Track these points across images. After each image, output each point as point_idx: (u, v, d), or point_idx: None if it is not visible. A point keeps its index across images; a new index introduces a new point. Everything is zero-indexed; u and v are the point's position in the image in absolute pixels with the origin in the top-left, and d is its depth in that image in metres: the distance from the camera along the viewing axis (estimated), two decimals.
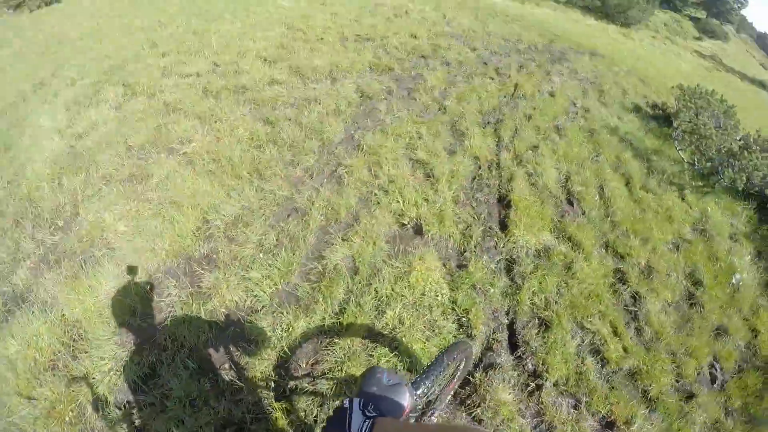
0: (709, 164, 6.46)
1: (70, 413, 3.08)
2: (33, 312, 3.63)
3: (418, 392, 1.90)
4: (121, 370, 3.27)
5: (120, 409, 3.12)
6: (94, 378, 3.21)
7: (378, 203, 4.54)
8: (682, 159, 6.80)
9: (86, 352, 3.34)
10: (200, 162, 4.95)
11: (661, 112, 8.49)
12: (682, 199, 5.91)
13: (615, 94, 8.78)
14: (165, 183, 4.67)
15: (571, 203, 5.23)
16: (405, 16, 10.66)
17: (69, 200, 4.64)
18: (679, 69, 17.55)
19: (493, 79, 7.86)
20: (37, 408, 3.10)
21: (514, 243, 4.41)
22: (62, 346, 3.41)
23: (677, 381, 3.80)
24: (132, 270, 3.84)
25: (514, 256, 4.32)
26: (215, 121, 5.64)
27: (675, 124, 7.40)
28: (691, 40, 32.41)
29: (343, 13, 10.28)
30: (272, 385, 3.17)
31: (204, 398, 3.10)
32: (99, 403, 3.11)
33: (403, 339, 3.40)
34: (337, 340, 3.37)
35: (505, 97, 7.27)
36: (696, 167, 6.58)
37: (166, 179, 4.71)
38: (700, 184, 6.28)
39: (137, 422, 3.06)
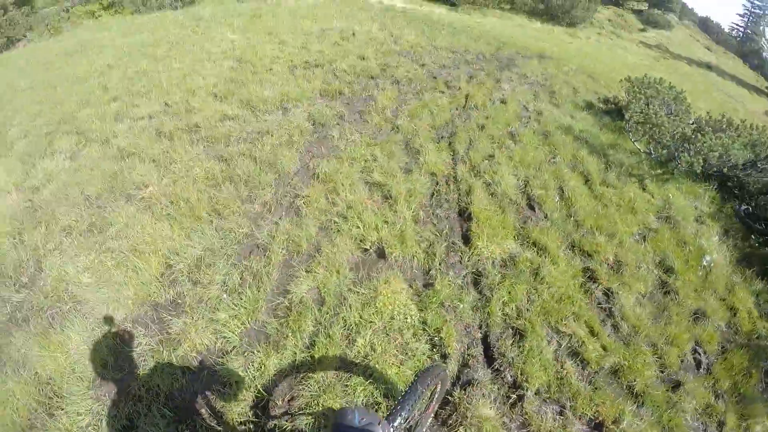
0: (665, 151, 6.54)
1: None
2: (6, 372, 3.57)
3: (395, 424, 1.85)
4: (99, 424, 3.21)
5: None
6: None
7: (338, 231, 4.49)
8: (639, 150, 6.89)
9: (62, 409, 3.28)
10: (158, 206, 4.88)
11: (613, 106, 8.62)
12: (643, 189, 5.97)
13: (566, 93, 8.88)
14: (125, 231, 4.61)
15: (532, 208, 5.22)
16: (352, 39, 10.68)
17: (31, 255, 4.56)
18: (627, 62, 17.96)
19: (443, 92, 7.88)
20: None
21: (479, 255, 4.38)
22: (38, 405, 3.35)
23: (662, 372, 3.80)
24: (100, 322, 3.80)
25: (480, 269, 4.28)
26: (170, 163, 5.58)
27: (627, 116, 7.49)
28: (635, 32, 33.29)
29: (290, 42, 10.27)
30: (251, 426, 3.11)
31: None
32: None
33: (377, 365, 3.35)
34: (311, 374, 3.31)
35: (456, 109, 7.29)
36: (653, 156, 6.66)
37: (125, 227, 4.65)
38: (659, 171, 6.35)
39: None
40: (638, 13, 39.65)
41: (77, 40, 13.73)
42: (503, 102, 7.81)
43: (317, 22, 12.33)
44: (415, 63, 9.30)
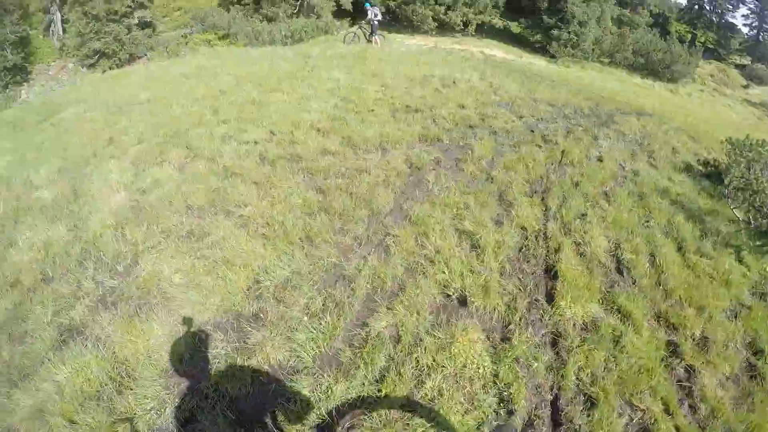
0: (765, 221, 6.20)
1: None
2: (86, 345, 3.96)
3: None
4: (163, 411, 3.46)
5: None
6: (135, 414, 3.42)
7: (424, 273, 4.59)
8: (738, 218, 6.55)
9: (131, 390, 3.59)
10: (254, 225, 5.23)
11: (713, 168, 8.22)
12: (740, 261, 5.66)
13: (665, 153, 8.61)
14: (221, 242, 4.98)
15: (620, 272, 5.09)
16: (453, 87, 10.87)
17: (130, 249, 5.06)
18: (730, 120, 17.20)
19: (540, 146, 7.86)
20: None
21: (561, 315, 4.33)
22: (109, 380, 3.68)
23: None
24: (184, 320, 4.12)
25: (560, 329, 4.22)
26: (270, 188, 5.94)
27: (726, 181, 7.15)
28: (739, 89, 31.93)
29: (393, 85, 10.61)
30: None
31: None
32: None
33: (441, 411, 3.39)
34: (374, 407, 3.41)
35: (552, 164, 7.25)
36: (752, 225, 6.32)
37: (221, 239, 5.02)
38: (758, 243, 5.99)
39: None
40: (741, 68, 38.08)
41: (194, 64, 14.82)
42: (600, 160, 7.70)
43: (420, 68, 12.67)
44: (513, 114, 9.36)
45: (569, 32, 27.63)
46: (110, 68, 23.36)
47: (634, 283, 4.96)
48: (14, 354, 4.16)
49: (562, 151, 7.60)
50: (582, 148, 7.95)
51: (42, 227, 5.77)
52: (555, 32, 27.85)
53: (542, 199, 6.21)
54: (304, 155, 6.81)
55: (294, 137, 7.41)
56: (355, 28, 22.98)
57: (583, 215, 5.87)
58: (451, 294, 4.42)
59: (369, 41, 21.13)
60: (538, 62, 21.71)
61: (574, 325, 4.29)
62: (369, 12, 21.09)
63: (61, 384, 3.67)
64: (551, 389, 3.78)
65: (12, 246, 5.61)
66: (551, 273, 4.88)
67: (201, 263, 4.71)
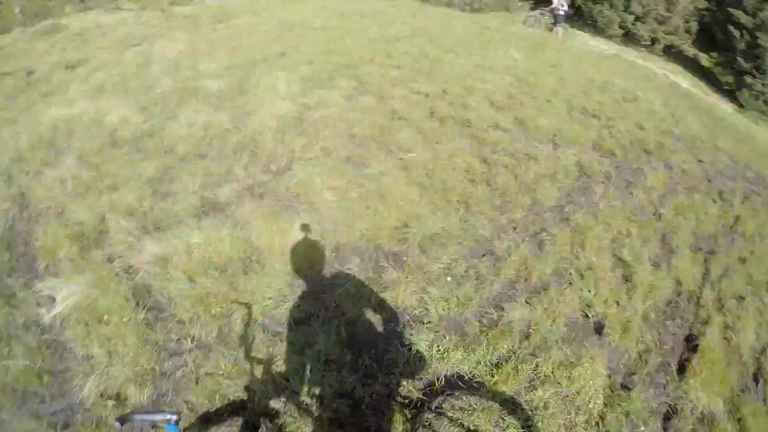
0: None
1: (219, 309, 3.55)
2: (224, 222, 4.22)
3: None
4: (281, 305, 3.67)
5: (263, 330, 3.51)
6: (253, 294, 3.65)
7: (570, 284, 4.46)
8: None
9: (256, 274, 3.80)
10: (415, 172, 5.27)
11: None
12: None
13: None
14: (378, 176, 5.07)
15: (756, 380, 4.54)
16: (633, 103, 10.20)
17: (286, 154, 5.25)
18: None
19: (714, 201, 7.24)
20: (193, 290, 3.62)
21: (685, 393, 3.99)
22: (239, 260, 3.92)
23: None
24: (324, 234, 4.27)
25: (678, 406, 3.90)
26: (436, 143, 5.94)
27: None
28: None
29: (571, 82, 10.16)
30: (402, 391, 3.33)
31: (339, 366, 3.35)
32: (248, 316, 3.54)
33: (539, 423, 3.34)
34: (479, 388, 3.42)
35: (723, 226, 6.68)
36: None
37: (380, 174, 5.12)
38: None
39: (270, 348, 3.42)
40: None
41: (371, 6, 14.79)
42: None
43: (600, 73, 11.96)
44: (692, 155, 8.66)
45: (764, 84, 25.25)
46: None
47: (764, 401, 4.44)
48: (154, 207, 4.49)
49: (736, 217, 7.01)
50: (757, 221, 7.23)
51: (204, 111, 6.10)
52: (748, 79, 25.50)
53: (705, 260, 5.72)
54: (474, 123, 6.70)
55: (466, 102, 7.31)
56: (536, 12, 22.13)
57: (741, 298, 5.33)
58: (590, 316, 4.27)
59: (549, 30, 20.38)
60: (724, 106, 20.08)
61: (692, 410, 3.94)
62: (554, 1, 20.21)
63: (191, 245, 3.92)
64: None
65: (173, 119, 5.97)
66: (692, 344, 4.52)
67: (355, 189, 4.84)
